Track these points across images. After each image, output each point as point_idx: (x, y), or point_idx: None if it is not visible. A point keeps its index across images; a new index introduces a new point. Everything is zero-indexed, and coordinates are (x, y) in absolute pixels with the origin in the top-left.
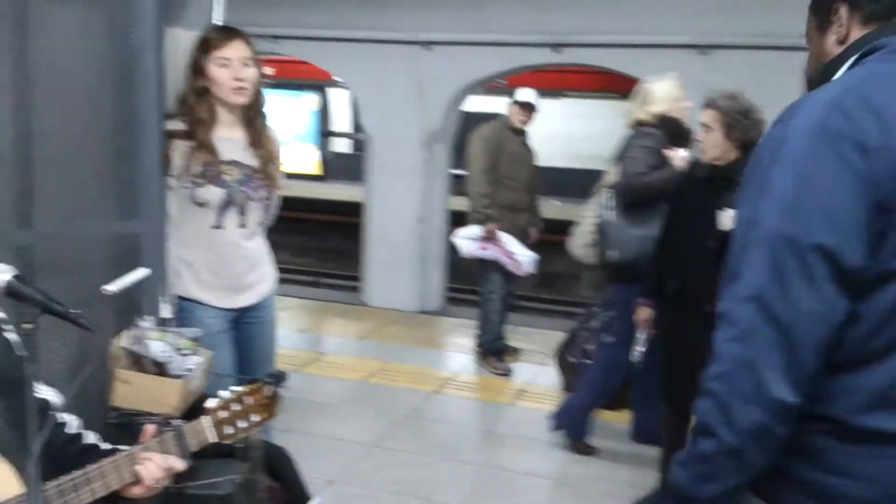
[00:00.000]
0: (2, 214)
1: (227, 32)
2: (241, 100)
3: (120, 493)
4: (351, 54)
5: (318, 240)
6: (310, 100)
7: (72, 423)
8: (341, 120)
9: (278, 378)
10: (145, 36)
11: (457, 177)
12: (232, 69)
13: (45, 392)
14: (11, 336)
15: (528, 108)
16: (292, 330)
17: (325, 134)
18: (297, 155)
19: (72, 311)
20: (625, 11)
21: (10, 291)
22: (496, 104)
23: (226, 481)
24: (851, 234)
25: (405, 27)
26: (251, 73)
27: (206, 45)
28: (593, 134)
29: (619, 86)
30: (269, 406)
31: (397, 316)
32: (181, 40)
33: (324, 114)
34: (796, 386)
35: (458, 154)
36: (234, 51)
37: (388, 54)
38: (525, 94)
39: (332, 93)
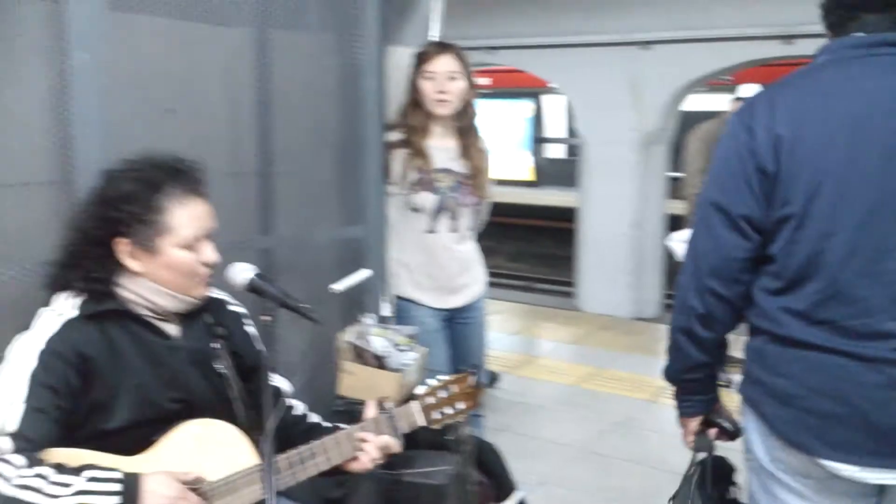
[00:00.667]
0: (247, 222)
1: (438, 47)
2: (442, 111)
3: (340, 468)
4: (566, 60)
5: (532, 245)
6: (524, 107)
7: (298, 406)
8: (555, 125)
9: (492, 378)
10: (369, 55)
11: (675, 179)
12: (436, 82)
13: (277, 380)
14: (251, 329)
15: None
16: (505, 333)
17: (538, 140)
18: (512, 162)
19: (304, 306)
20: None
21: (252, 287)
22: (719, 102)
23: (439, 472)
24: (737, 191)
25: (622, 28)
26: (456, 86)
27: (418, 60)
28: None
29: None
30: (473, 395)
31: (611, 322)
32: (400, 57)
33: (538, 120)
34: (702, 299)
35: (677, 155)
36: (441, 65)
37: (603, 57)
38: (748, 90)
39: (546, 99)
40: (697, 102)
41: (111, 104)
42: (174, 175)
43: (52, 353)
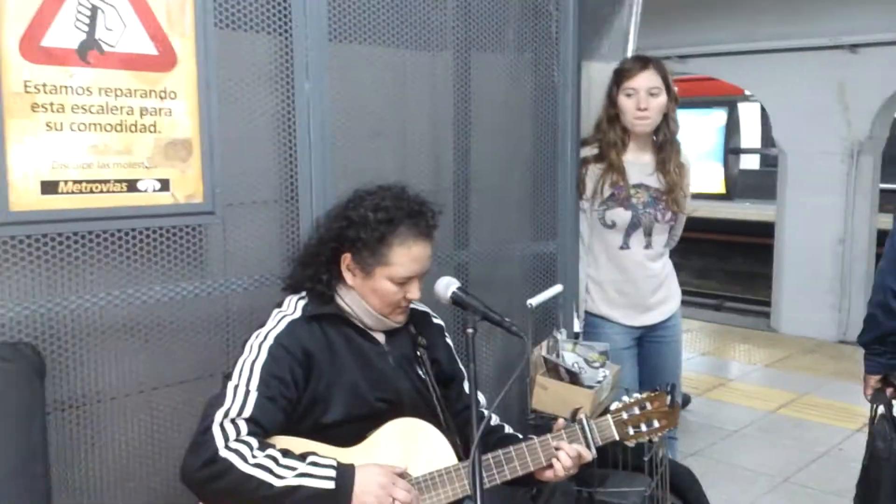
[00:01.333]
0: (444, 237)
1: (639, 63)
2: (642, 128)
3: (534, 477)
4: (765, 66)
5: (722, 261)
6: (716, 117)
7: (494, 418)
8: (749, 136)
9: (685, 400)
10: (566, 73)
11: (886, 192)
12: (636, 99)
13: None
14: (450, 342)
15: None
16: (695, 353)
17: (731, 151)
18: (702, 174)
19: (507, 320)
20: None
21: (456, 300)
22: None
23: (634, 493)
24: None
25: (827, 31)
26: (656, 102)
27: (618, 76)
28: None
29: None
30: (669, 415)
31: (813, 345)
32: (596, 72)
33: (730, 130)
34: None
35: (890, 166)
36: (642, 81)
37: (807, 62)
38: None
39: (740, 108)
40: None
41: (330, 129)
42: (411, 216)
43: (281, 348)
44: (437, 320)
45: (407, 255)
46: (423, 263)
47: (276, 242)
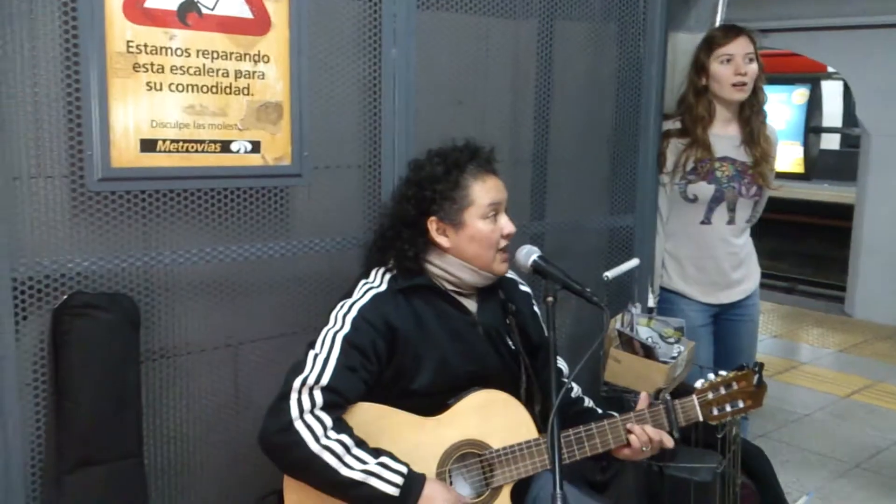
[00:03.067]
0: (523, 207)
1: (732, 30)
2: (740, 96)
3: (612, 453)
4: (851, 42)
5: (795, 243)
6: (798, 94)
7: (576, 388)
8: (831, 115)
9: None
10: (652, 45)
11: None
12: (734, 65)
13: (558, 361)
14: (538, 310)
15: None
16: (765, 335)
17: (812, 130)
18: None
19: (587, 289)
20: None
21: (537, 268)
22: None
23: (704, 469)
24: None
25: None
26: (753, 68)
27: (709, 44)
28: None
29: None
30: (756, 395)
31: (889, 331)
32: (682, 43)
33: (811, 108)
34: None
35: None
36: (738, 47)
37: (892, 39)
38: None
39: (823, 85)
40: None
41: (413, 96)
42: (472, 156)
43: (363, 320)
44: (524, 287)
45: (485, 188)
46: (502, 192)
47: (359, 206)
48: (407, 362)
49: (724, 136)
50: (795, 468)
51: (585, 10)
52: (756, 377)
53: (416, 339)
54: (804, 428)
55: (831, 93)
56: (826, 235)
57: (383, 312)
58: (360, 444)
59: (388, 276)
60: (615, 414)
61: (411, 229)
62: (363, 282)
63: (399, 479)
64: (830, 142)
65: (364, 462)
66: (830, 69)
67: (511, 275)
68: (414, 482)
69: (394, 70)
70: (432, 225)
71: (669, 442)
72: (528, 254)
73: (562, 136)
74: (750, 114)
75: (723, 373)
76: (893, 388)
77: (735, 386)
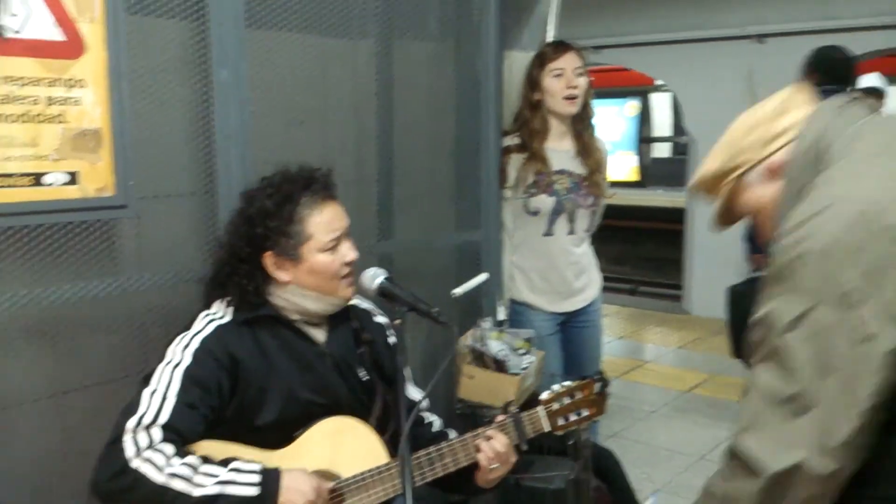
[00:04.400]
0: (367, 227)
1: (561, 45)
2: (572, 109)
3: (473, 483)
4: (675, 56)
5: (635, 247)
6: (630, 106)
7: (435, 422)
8: (661, 125)
9: (605, 383)
10: (488, 62)
11: None
12: (566, 78)
13: (413, 392)
14: (393, 340)
15: (875, 96)
16: (612, 337)
17: (643, 140)
18: (616, 162)
19: (434, 309)
20: None
21: (383, 291)
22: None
23: (558, 476)
24: None
25: (735, 22)
26: (583, 81)
27: (541, 59)
28: None
29: None
30: (598, 402)
31: (722, 326)
32: (517, 61)
33: (642, 119)
34: None
35: None
36: (568, 62)
37: (714, 53)
38: (870, 80)
39: (652, 98)
40: None
41: (249, 118)
42: (306, 185)
43: (205, 352)
44: (379, 318)
45: (323, 220)
46: (342, 220)
47: (194, 237)
48: (252, 396)
49: (560, 150)
50: (645, 465)
51: (422, 30)
52: (597, 385)
53: (261, 372)
54: (651, 424)
55: (660, 104)
56: (663, 238)
57: (226, 344)
58: (207, 460)
59: (231, 308)
60: (467, 434)
61: (247, 265)
62: (205, 313)
63: (256, 478)
64: (662, 150)
65: (215, 475)
66: (658, 82)
67: (366, 305)
68: (271, 477)
69: (225, 92)
70: (269, 260)
71: (513, 457)
72: (374, 276)
73: (406, 153)
74: (581, 128)
75: (566, 383)
76: (730, 380)
77: (578, 395)
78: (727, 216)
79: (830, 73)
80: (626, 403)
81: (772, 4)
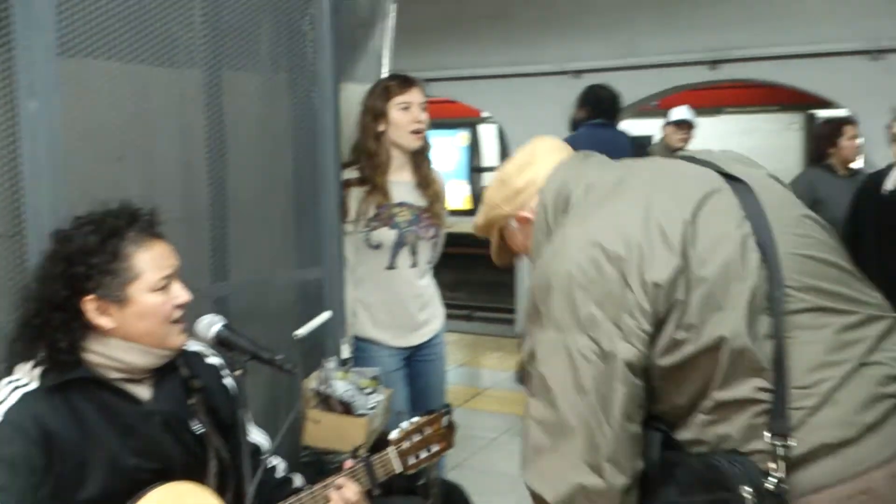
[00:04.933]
0: (199, 269)
1: (407, 80)
2: (418, 143)
3: None
4: (499, 90)
5: (469, 273)
6: (461, 137)
7: (279, 466)
8: (489, 155)
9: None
10: (324, 94)
11: None
12: (412, 113)
13: (256, 436)
14: (229, 382)
15: (685, 126)
16: (452, 365)
17: (474, 169)
18: (450, 192)
19: (277, 357)
20: (786, 22)
21: (221, 340)
22: (649, 127)
23: None
24: None
25: (552, 59)
26: (426, 116)
27: (387, 92)
28: (753, 149)
29: (782, 98)
30: (447, 436)
31: None
32: (353, 93)
33: (472, 150)
34: None
35: None
36: (414, 96)
37: (535, 87)
38: (680, 112)
39: (480, 129)
40: (629, 127)
41: (62, 152)
42: (131, 220)
43: (11, 427)
44: (212, 360)
45: (152, 257)
46: (172, 258)
47: (1, 282)
48: (69, 471)
49: (400, 182)
50: (491, 494)
51: (253, 61)
52: (445, 419)
53: (78, 444)
54: (494, 452)
55: (488, 135)
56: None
57: (36, 415)
58: None
59: (38, 372)
60: (316, 484)
61: (63, 313)
62: (7, 380)
63: None
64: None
65: None
66: (485, 114)
67: (197, 346)
68: None
69: (34, 125)
70: (90, 305)
71: (366, 503)
72: (210, 324)
73: (240, 189)
74: (420, 159)
75: (415, 419)
76: None
77: (427, 430)
78: (502, 255)
79: (598, 108)
80: (468, 432)
81: (586, 44)
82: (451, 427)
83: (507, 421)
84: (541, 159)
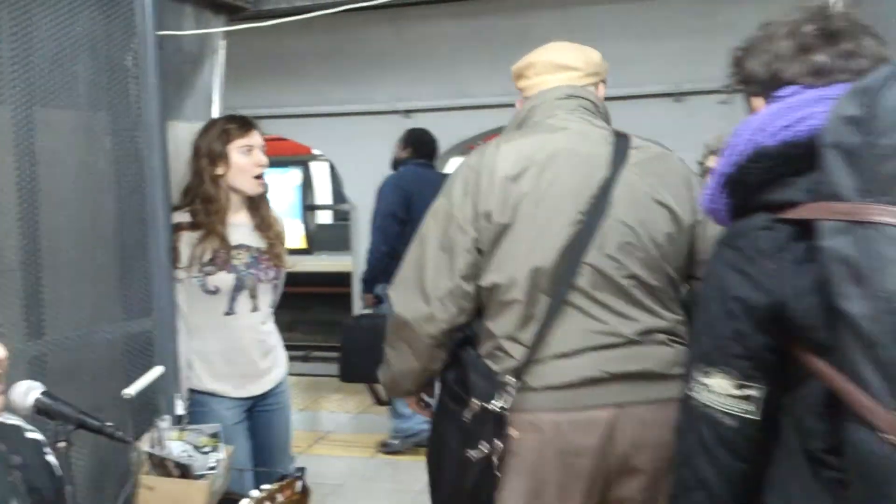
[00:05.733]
0: (11, 326)
1: (246, 122)
2: (261, 189)
3: None
4: (329, 128)
5: (305, 312)
6: (293, 175)
7: None
8: (322, 192)
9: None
10: (150, 136)
11: None
12: (254, 156)
13: None
14: (51, 459)
15: None
16: (293, 410)
17: (307, 207)
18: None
19: (108, 424)
20: None
21: (41, 409)
22: None
23: None
24: None
25: (382, 99)
26: (266, 158)
27: (227, 134)
28: None
29: None
30: (302, 501)
31: None
32: (182, 133)
33: (305, 187)
34: None
35: None
36: (255, 139)
37: (366, 125)
38: None
39: (312, 167)
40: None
41: None
42: None
43: None
44: (32, 434)
45: None
46: None
47: None
48: None
49: (238, 224)
50: None
51: (69, 98)
52: (298, 484)
53: None
54: (341, 498)
55: (320, 173)
56: (331, 301)
57: None
58: None
59: None
60: None
61: None
62: None
63: None
64: (325, 217)
65: None
66: (316, 151)
67: (13, 420)
68: None
69: None
70: None
71: None
72: (27, 392)
73: (56, 236)
74: (259, 200)
75: (266, 486)
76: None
77: (280, 498)
78: None
79: (419, 149)
80: (315, 479)
81: (413, 85)
82: (305, 492)
83: (352, 464)
84: (544, 75)
